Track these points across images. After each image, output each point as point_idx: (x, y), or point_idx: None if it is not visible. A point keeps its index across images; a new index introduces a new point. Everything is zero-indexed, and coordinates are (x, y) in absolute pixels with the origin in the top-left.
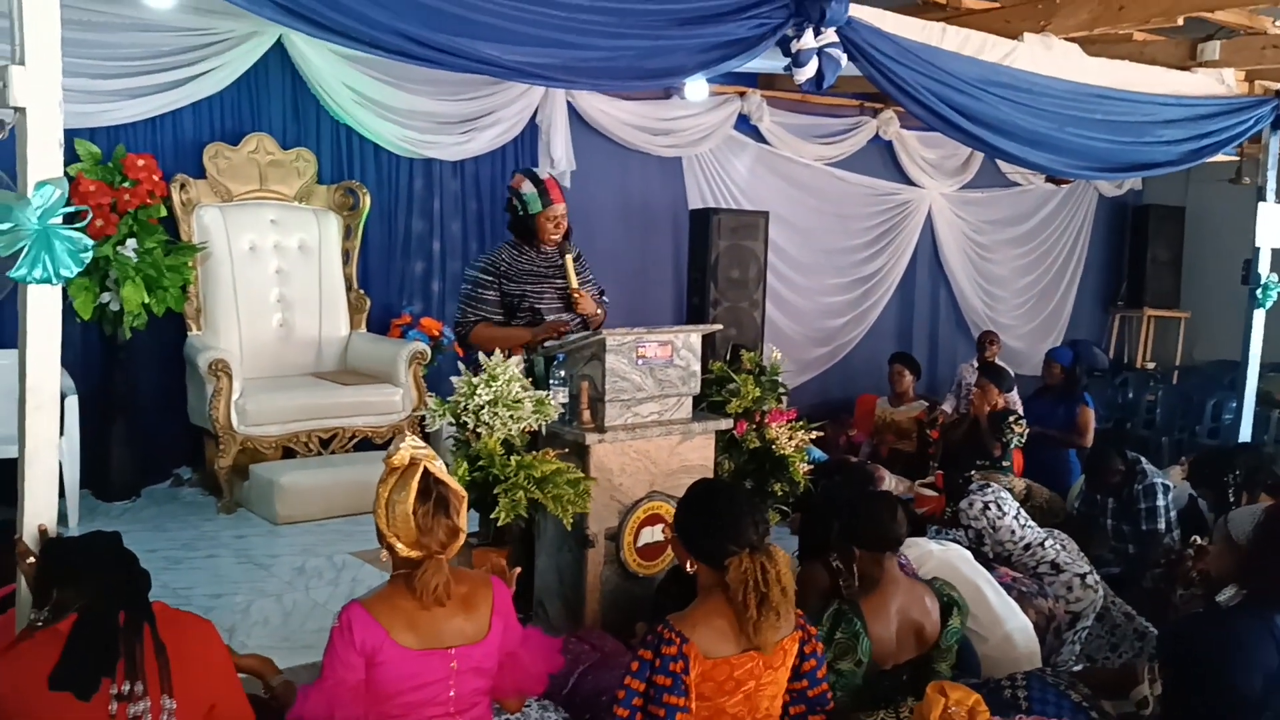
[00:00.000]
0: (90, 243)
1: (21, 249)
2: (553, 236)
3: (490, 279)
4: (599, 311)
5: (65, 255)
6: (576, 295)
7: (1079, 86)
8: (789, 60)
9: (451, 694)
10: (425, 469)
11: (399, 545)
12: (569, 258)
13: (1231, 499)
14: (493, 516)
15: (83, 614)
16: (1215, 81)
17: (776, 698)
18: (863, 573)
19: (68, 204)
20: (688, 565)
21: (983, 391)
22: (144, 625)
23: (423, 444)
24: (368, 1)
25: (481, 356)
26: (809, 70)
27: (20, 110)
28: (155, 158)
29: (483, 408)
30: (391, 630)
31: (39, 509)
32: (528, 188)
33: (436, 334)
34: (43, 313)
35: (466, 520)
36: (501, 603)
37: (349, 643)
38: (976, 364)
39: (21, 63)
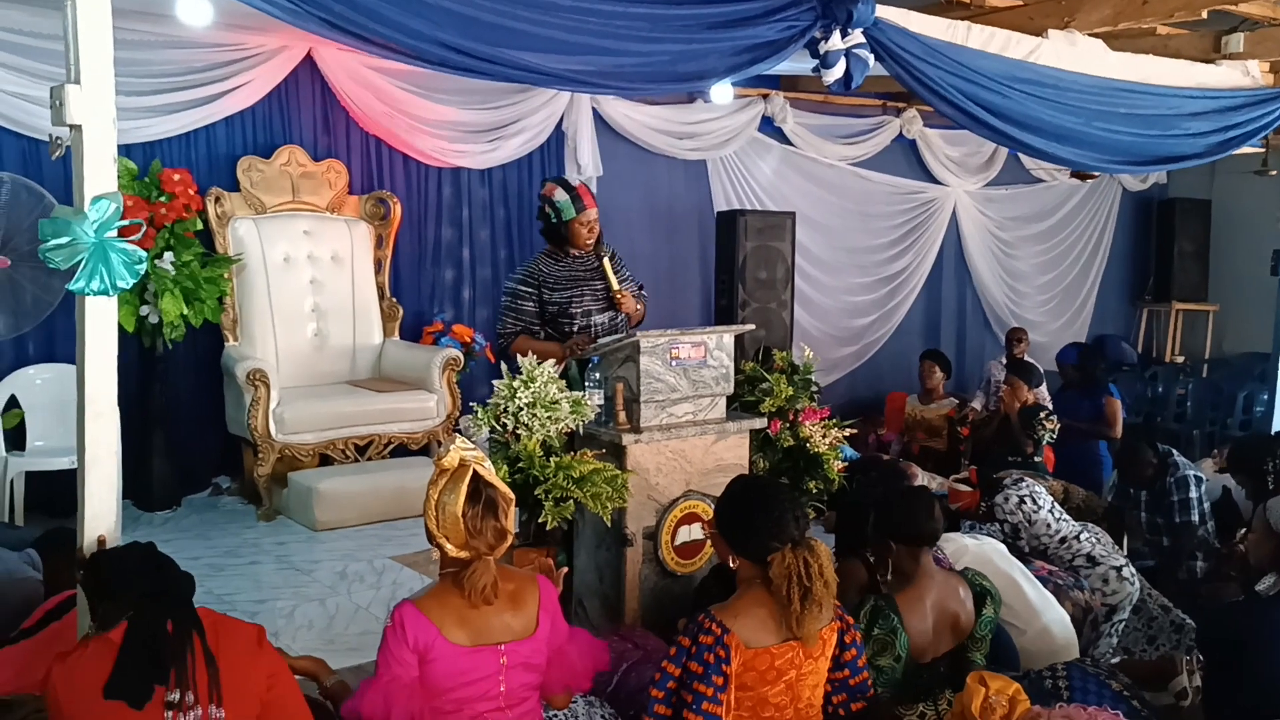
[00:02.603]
0: (144, 255)
1: (79, 262)
2: (587, 241)
3: (528, 290)
4: (639, 307)
5: (121, 267)
6: (619, 296)
7: (1104, 81)
8: (817, 62)
9: (502, 689)
10: (475, 471)
11: (448, 546)
12: (606, 260)
13: (1271, 486)
14: (541, 520)
15: (132, 623)
16: (1240, 74)
17: (818, 687)
18: (898, 567)
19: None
20: (730, 561)
21: (1012, 389)
22: (192, 633)
23: (472, 446)
24: (409, 13)
25: (520, 359)
26: (837, 71)
27: (76, 127)
28: (190, 172)
29: (522, 410)
30: (443, 627)
31: (99, 515)
32: (560, 195)
33: (468, 340)
34: (100, 323)
35: (514, 522)
36: (548, 600)
37: (402, 640)
38: (1005, 361)
39: (77, 82)
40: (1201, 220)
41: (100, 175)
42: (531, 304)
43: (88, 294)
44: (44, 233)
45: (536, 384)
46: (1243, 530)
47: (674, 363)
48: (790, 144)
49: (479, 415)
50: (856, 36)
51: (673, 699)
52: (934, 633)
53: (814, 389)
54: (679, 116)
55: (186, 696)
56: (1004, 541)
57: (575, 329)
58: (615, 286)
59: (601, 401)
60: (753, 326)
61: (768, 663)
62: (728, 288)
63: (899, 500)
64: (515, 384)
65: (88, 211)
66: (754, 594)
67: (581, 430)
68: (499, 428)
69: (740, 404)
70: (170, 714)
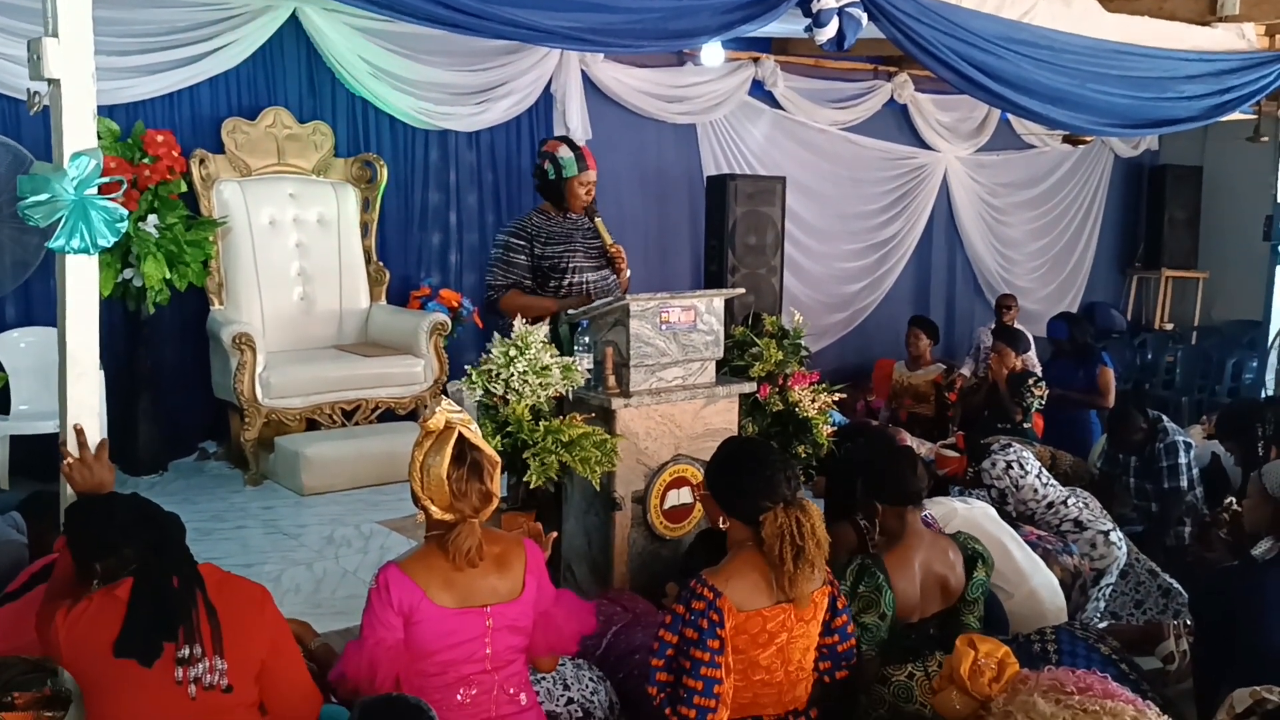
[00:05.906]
0: (125, 213)
1: (59, 220)
2: (582, 203)
3: (521, 243)
4: (628, 273)
5: (102, 225)
6: (614, 250)
7: (1098, 43)
8: (810, 21)
9: (487, 651)
10: (460, 434)
11: (433, 508)
12: (599, 220)
13: (1260, 452)
14: (525, 479)
15: (138, 580)
16: (1236, 36)
17: (809, 650)
18: (886, 527)
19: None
20: (720, 522)
21: (1000, 355)
22: (194, 588)
23: (458, 409)
24: None
25: (513, 322)
26: (830, 30)
27: (55, 82)
28: (174, 133)
29: (514, 375)
30: (428, 590)
31: None
32: (565, 151)
33: (455, 305)
34: (81, 283)
35: (500, 484)
36: (534, 563)
37: (386, 603)
38: (994, 327)
39: (55, 35)
40: (1193, 187)
41: (79, 131)
42: (523, 256)
43: (68, 252)
44: (23, 189)
45: (531, 350)
46: (1229, 498)
47: (664, 327)
48: (781, 108)
49: (472, 378)
50: None
51: (673, 666)
52: (922, 593)
53: (804, 353)
54: (669, 80)
55: (195, 650)
56: (991, 506)
57: (566, 284)
58: (609, 241)
59: (591, 366)
60: (742, 291)
61: (759, 625)
62: (717, 253)
63: (884, 460)
64: (511, 351)
65: (67, 168)
66: (745, 556)
67: (570, 394)
68: (490, 392)
69: (730, 369)
70: (181, 670)
